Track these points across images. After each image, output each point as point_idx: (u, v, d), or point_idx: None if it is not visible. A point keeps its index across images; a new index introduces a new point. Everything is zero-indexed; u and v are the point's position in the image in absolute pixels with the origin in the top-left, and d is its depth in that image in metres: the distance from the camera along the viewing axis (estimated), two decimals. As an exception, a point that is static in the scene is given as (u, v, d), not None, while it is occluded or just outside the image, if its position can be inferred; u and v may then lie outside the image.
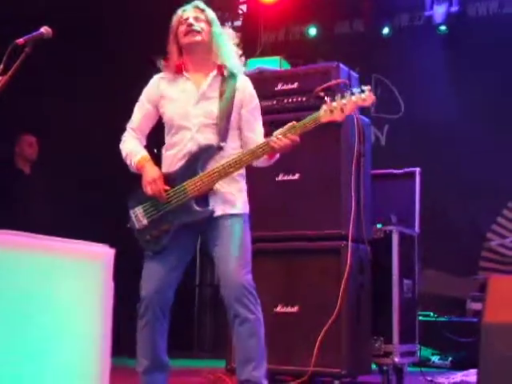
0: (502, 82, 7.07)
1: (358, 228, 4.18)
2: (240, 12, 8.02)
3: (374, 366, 4.48)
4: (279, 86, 4.44)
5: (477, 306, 5.53)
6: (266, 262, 4.16)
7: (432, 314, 6.17)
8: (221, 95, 3.31)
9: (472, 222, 7.15)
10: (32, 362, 2.37)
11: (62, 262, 2.53)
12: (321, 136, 4.20)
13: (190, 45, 3.34)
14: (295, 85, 4.41)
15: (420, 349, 4.85)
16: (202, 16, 3.37)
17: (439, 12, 7.45)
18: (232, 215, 3.26)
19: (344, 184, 4.16)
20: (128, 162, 3.38)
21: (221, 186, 3.26)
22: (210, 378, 4.63)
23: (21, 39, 2.88)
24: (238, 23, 7.90)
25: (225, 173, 3.19)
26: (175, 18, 3.40)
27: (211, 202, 3.24)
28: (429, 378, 4.88)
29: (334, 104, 3.17)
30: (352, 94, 3.19)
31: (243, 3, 8.09)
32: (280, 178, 4.33)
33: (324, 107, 3.19)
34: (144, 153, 3.37)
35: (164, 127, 3.42)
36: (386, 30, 7.71)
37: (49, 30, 2.98)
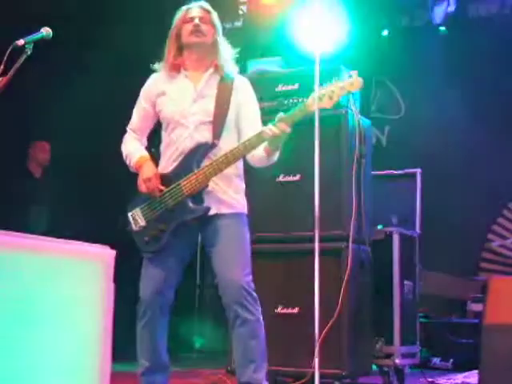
0: (502, 82, 7.07)
1: (359, 229, 4.18)
2: (240, 13, 8.02)
3: (374, 367, 4.47)
4: (280, 87, 4.43)
5: (477, 307, 5.52)
6: (267, 263, 4.15)
7: (432, 315, 6.17)
8: (218, 93, 3.32)
9: (472, 222, 7.15)
10: (32, 362, 2.36)
11: (62, 263, 2.53)
12: (322, 137, 4.19)
13: (193, 45, 3.34)
14: (296, 85, 4.40)
15: (421, 350, 4.84)
16: (207, 17, 3.37)
17: (439, 13, 7.46)
18: (229, 215, 3.26)
19: (345, 185, 4.16)
20: (128, 163, 3.39)
21: (218, 186, 3.26)
22: (210, 379, 4.63)
23: (21, 40, 2.87)
24: (239, 24, 7.90)
25: (218, 168, 3.17)
26: (179, 15, 3.39)
27: (208, 204, 3.23)
28: (430, 380, 4.88)
29: (323, 91, 3.15)
30: (340, 80, 3.18)
31: (243, 4, 8.08)
32: (280, 178, 4.33)
33: (312, 95, 3.16)
34: (143, 153, 3.38)
35: (161, 126, 3.42)
36: (386, 31, 7.72)
37: (49, 30, 2.97)
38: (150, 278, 3.29)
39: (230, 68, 3.39)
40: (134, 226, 3.30)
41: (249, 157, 3.30)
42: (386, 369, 4.43)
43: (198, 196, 3.21)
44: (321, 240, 4.14)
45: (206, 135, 3.26)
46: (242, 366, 3.19)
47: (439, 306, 6.35)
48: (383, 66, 7.73)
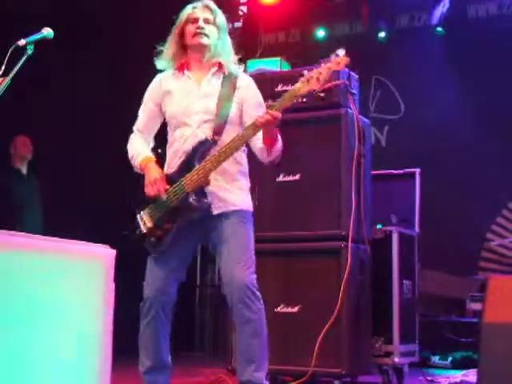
0: (502, 82, 7.07)
1: (358, 228, 4.19)
2: (240, 13, 8.04)
3: (373, 366, 4.48)
4: (279, 87, 4.44)
5: (476, 306, 5.53)
6: (267, 262, 4.16)
7: (431, 313, 6.18)
8: (221, 91, 3.33)
9: (472, 222, 7.16)
10: (33, 360, 2.37)
11: (63, 263, 2.54)
12: (321, 137, 4.21)
13: (196, 46, 3.36)
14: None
15: (420, 349, 4.86)
16: (211, 18, 3.38)
17: (438, 13, 7.47)
18: (234, 214, 3.27)
19: (344, 184, 4.17)
20: (132, 163, 3.40)
21: (223, 185, 3.27)
22: (211, 378, 4.63)
23: (22, 40, 2.88)
24: (239, 24, 7.92)
25: (217, 161, 3.18)
26: (184, 14, 3.40)
27: (213, 203, 3.24)
28: (429, 378, 4.89)
29: (311, 74, 3.13)
30: (328, 61, 3.16)
31: (244, 4, 8.10)
32: (280, 178, 4.34)
33: (301, 79, 3.15)
34: (147, 153, 3.39)
35: (167, 126, 3.44)
36: (385, 31, 7.73)
37: (50, 30, 2.98)
38: (154, 278, 3.30)
39: (234, 67, 3.39)
40: (142, 228, 3.31)
41: (254, 149, 3.32)
42: (385, 367, 4.44)
43: (199, 192, 3.22)
44: (320, 239, 4.17)
45: (207, 133, 3.28)
46: (243, 364, 3.20)
47: (438, 304, 6.36)
48: (383, 66, 7.74)
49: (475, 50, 7.19)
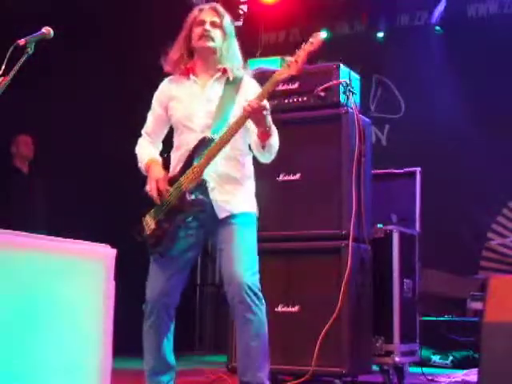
0: (502, 82, 7.07)
1: (359, 228, 4.19)
2: (241, 12, 8.03)
3: (374, 366, 4.48)
4: (280, 87, 4.43)
5: (477, 305, 5.52)
6: (267, 261, 4.14)
7: (432, 313, 6.18)
8: (223, 94, 3.32)
9: (472, 221, 7.16)
10: (33, 360, 2.37)
11: (63, 262, 2.54)
12: (321, 136, 4.21)
13: (202, 49, 3.35)
14: (296, 85, 4.41)
15: (420, 348, 4.86)
16: (218, 21, 3.36)
17: (439, 12, 7.47)
18: (238, 217, 3.27)
19: (345, 184, 4.17)
20: (139, 166, 3.42)
21: (226, 189, 3.28)
22: (211, 377, 4.64)
23: (22, 40, 2.88)
24: (239, 23, 7.90)
25: (211, 154, 3.18)
26: (191, 17, 3.39)
27: (217, 206, 3.25)
28: (429, 378, 4.89)
29: (290, 58, 3.14)
30: (305, 44, 3.15)
31: (244, 3, 8.10)
32: (281, 178, 4.34)
33: (283, 65, 3.16)
34: (152, 155, 3.41)
35: (172, 130, 3.45)
36: (384, 31, 7.73)
37: (50, 30, 2.98)
38: (157, 279, 3.30)
39: (239, 73, 3.38)
40: (146, 229, 3.32)
41: (252, 146, 3.32)
42: (385, 367, 4.44)
43: (196, 189, 3.22)
44: (320, 238, 4.17)
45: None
46: (244, 364, 3.20)
47: (439, 304, 6.36)
48: (383, 66, 7.74)
49: (476, 49, 7.19)
